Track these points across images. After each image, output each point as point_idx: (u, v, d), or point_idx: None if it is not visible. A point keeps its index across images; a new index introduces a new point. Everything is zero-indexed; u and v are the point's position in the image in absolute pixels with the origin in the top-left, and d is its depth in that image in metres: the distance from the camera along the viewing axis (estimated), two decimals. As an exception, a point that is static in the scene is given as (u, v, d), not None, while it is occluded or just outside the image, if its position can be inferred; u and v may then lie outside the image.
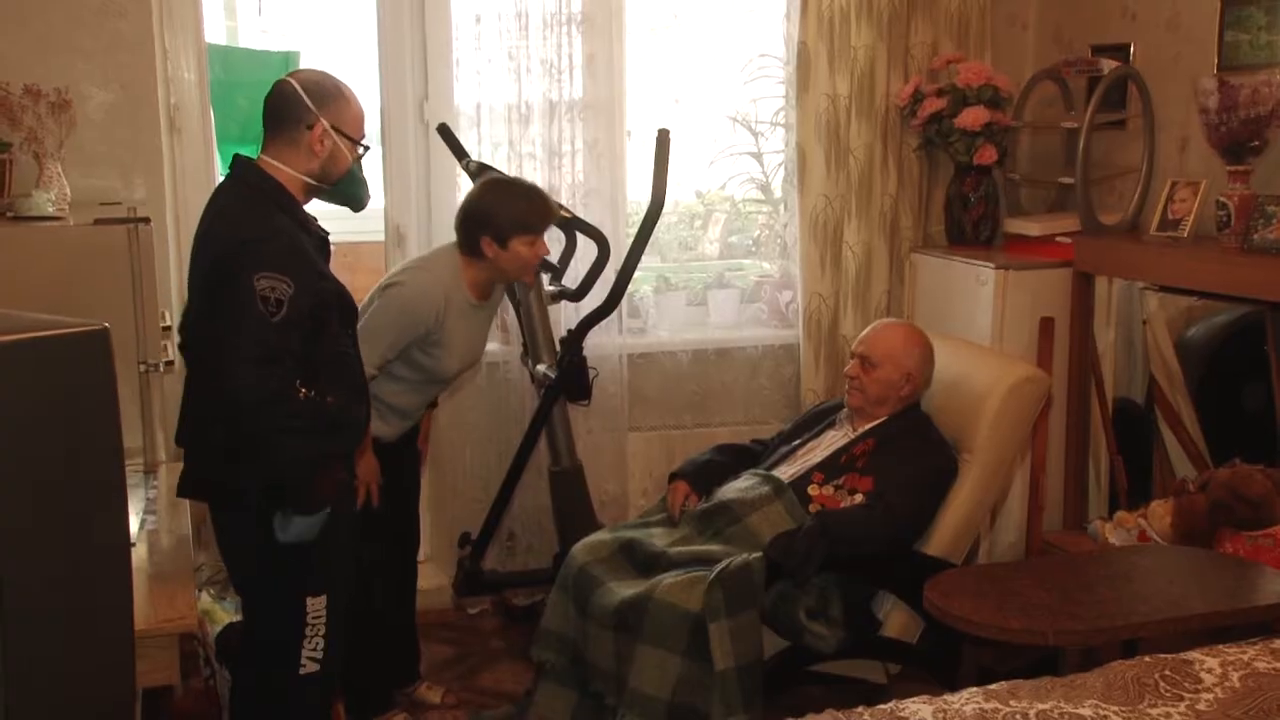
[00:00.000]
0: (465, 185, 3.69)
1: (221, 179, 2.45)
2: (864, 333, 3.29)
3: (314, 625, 2.41)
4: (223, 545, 2.52)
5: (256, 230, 2.24)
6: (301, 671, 2.42)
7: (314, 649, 2.42)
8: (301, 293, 2.21)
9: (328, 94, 2.34)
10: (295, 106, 2.32)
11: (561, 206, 3.49)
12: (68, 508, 1.22)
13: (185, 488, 2.41)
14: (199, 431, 2.37)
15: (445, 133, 3.59)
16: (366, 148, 2.44)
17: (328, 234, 2.48)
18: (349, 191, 2.45)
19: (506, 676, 3.50)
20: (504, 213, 2.97)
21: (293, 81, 2.35)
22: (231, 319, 2.18)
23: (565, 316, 3.76)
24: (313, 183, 2.38)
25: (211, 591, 3.21)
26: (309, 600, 2.40)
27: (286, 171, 2.34)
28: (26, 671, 1.17)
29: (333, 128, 2.33)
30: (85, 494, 1.24)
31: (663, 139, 3.45)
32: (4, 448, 1.13)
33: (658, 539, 3.07)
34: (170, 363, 3.05)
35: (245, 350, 2.16)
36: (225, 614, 3.11)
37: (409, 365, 2.99)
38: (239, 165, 2.38)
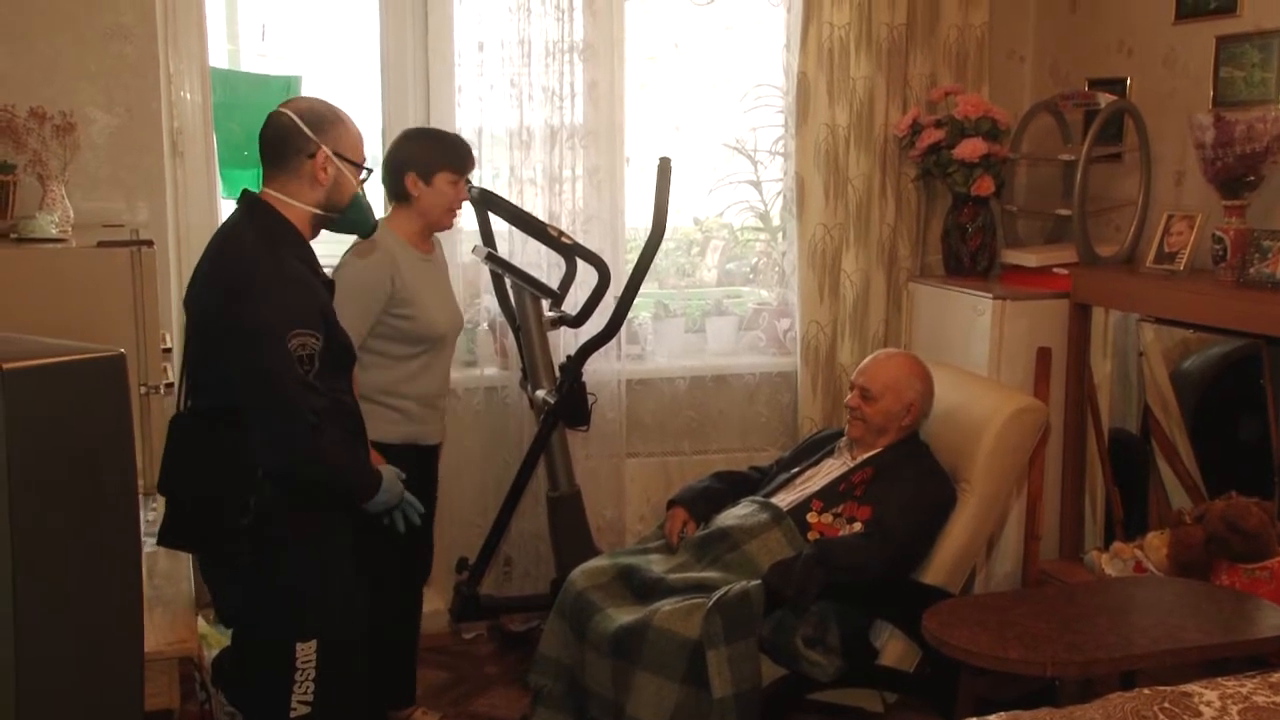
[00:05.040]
0: (468, 212, 3.70)
1: (230, 214, 2.41)
2: (863, 363, 3.30)
3: (303, 671, 2.35)
4: (214, 591, 2.48)
5: (276, 284, 2.22)
6: (292, 715, 2.36)
7: (304, 694, 2.36)
8: (324, 344, 2.25)
9: (325, 120, 2.32)
10: (295, 137, 2.29)
11: (562, 233, 3.51)
12: (83, 530, 1.22)
13: (168, 538, 2.36)
14: (191, 483, 2.32)
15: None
16: (370, 170, 2.42)
17: (332, 280, 2.50)
18: (356, 218, 2.43)
19: (502, 702, 3.49)
20: (430, 151, 3.02)
21: (288, 112, 2.31)
22: (273, 386, 2.19)
23: (564, 342, 3.77)
24: (320, 213, 2.36)
25: (208, 617, 3.19)
26: (298, 646, 2.34)
27: (293, 205, 2.32)
28: (40, 694, 1.18)
29: (334, 154, 2.31)
30: (101, 517, 1.25)
31: (664, 167, 3.48)
32: (24, 471, 1.14)
33: (656, 565, 3.07)
34: (170, 385, 3.06)
35: (299, 421, 2.20)
36: (221, 638, 3.10)
37: (398, 338, 2.96)
38: (249, 202, 2.34)
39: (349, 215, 2.40)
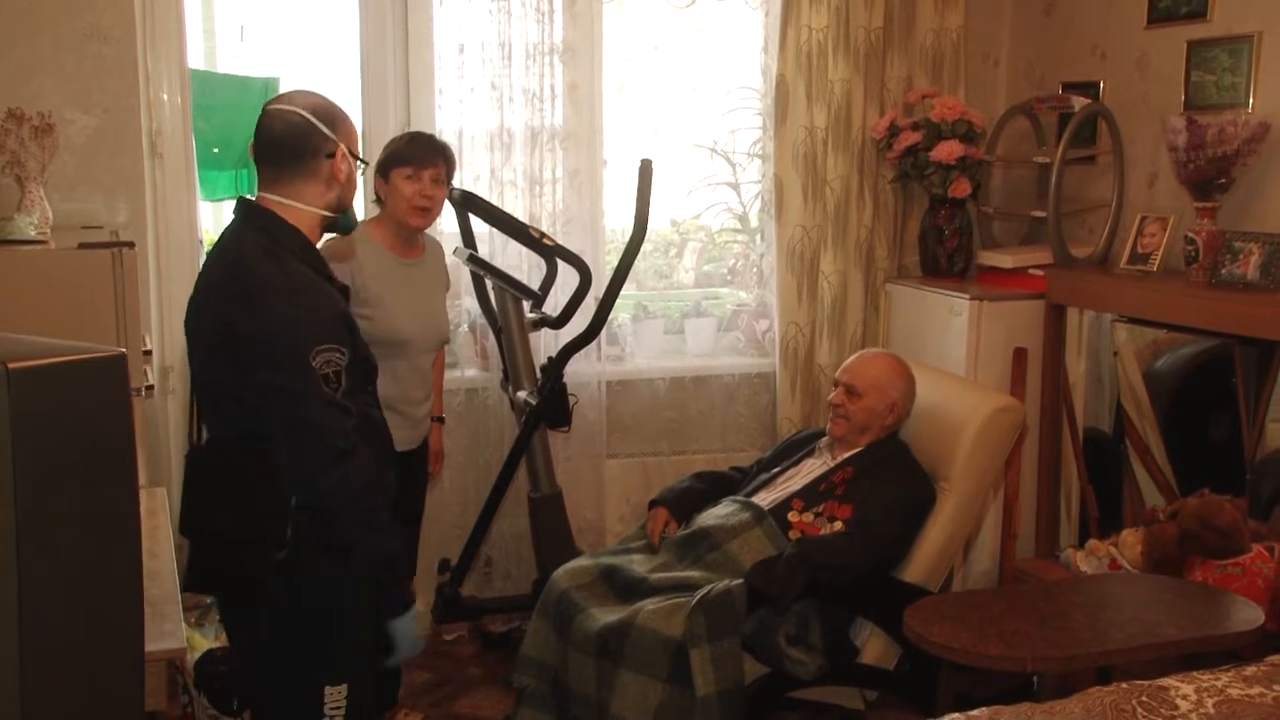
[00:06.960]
0: (448, 214, 3.71)
1: (228, 225, 2.21)
2: (848, 362, 3.33)
3: (332, 717, 2.20)
4: (234, 639, 2.36)
5: (293, 296, 2.03)
6: None
7: None
8: (351, 357, 2.08)
9: (336, 116, 2.16)
10: (312, 137, 2.11)
11: (543, 234, 3.52)
12: (87, 529, 1.23)
13: (194, 580, 2.20)
14: (217, 521, 2.13)
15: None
16: (366, 163, 2.27)
17: (346, 285, 2.32)
18: (345, 214, 2.25)
19: (484, 703, 3.50)
20: (385, 150, 3.11)
21: (299, 110, 2.13)
22: (298, 408, 2.01)
23: (545, 344, 3.78)
24: (328, 215, 2.18)
25: (191, 619, 3.19)
26: (327, 690, 2.18)
27: (299, 209, 2.13)
28: (42, 693, 1.18)
29: (348, 151, 2.16)
30: (103, 516, 1.25)
31: (645, 169, 3.50)
32: (29, 470, 1.15)
33: (638, 565, 3.09)
34: (150, 387, 3.05)
35: (327, 447, 2.02)
36: (204, 641, 3.10)
37: None
38: (252, 212, 2.14)
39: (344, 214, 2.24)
